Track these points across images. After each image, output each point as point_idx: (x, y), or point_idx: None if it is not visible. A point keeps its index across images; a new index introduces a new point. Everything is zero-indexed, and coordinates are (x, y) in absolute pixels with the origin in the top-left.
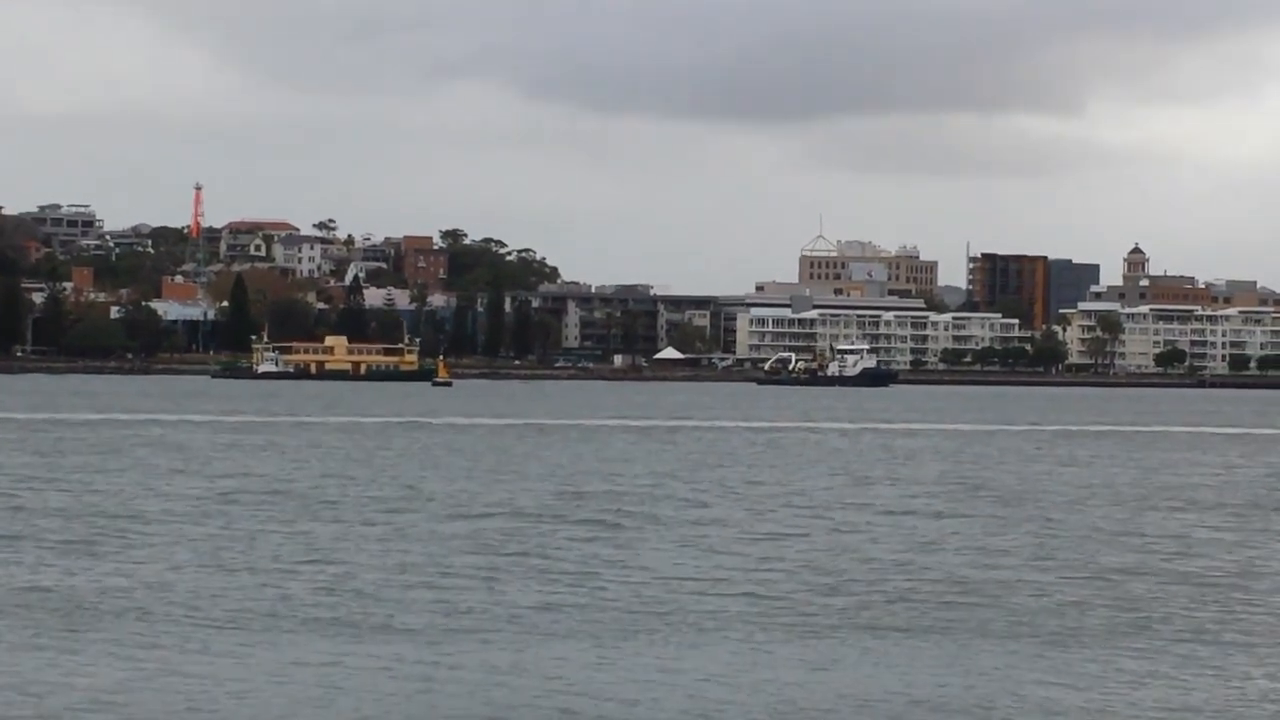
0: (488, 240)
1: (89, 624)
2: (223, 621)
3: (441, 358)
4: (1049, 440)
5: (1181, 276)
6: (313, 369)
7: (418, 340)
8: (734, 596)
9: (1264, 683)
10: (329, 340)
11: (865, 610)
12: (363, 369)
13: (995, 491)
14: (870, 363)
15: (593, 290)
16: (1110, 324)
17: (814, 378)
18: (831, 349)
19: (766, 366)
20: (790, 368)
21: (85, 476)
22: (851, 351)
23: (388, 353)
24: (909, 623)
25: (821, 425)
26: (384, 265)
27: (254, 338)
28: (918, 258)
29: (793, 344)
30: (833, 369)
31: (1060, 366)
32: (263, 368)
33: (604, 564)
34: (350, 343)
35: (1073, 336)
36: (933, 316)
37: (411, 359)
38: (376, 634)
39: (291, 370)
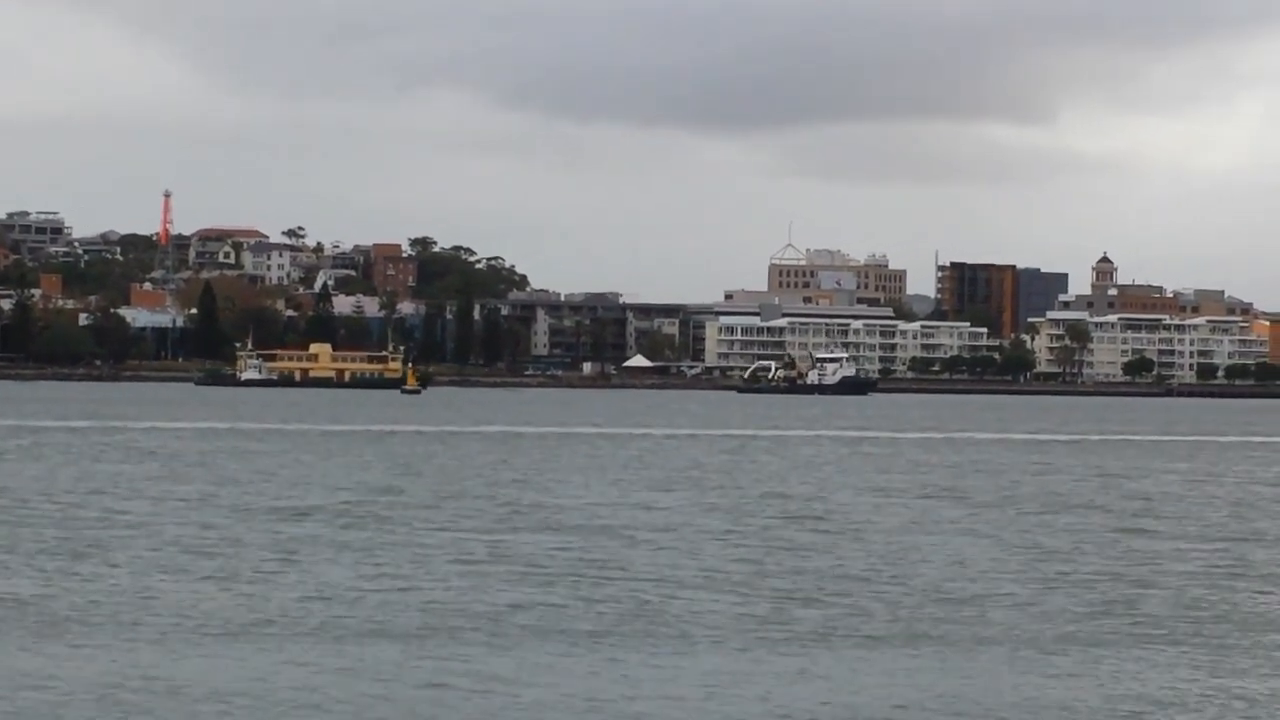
0: (457, 248)
1: (76, 630)
2: (215, 628)
3: (410, 365)
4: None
5: (1150, 286)
6: (297, 376)
7: (401, 348)
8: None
9: (1259, 684)
10: (313, 348)
11: (857, 618)
12: (347, 376)
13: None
14: (850, 371)
15: (562, 298)
16: (1078, 333)
17: (793, 386)
18: (811, 357)
19: (746, 375)
20: (770, 376)
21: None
22: (831, 360)
23: (372, 360)
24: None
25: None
26: (353, 273)
27: (238, 345)
28: (886, 266)
29: (761, 352)
30: (812, 377)
31: (1028, 375)
32: (246, 375)
33: (606, 569)
34: (335, 350)
35: (1041, 345)
36: (901, 325)
37: (396, 366)
38: (364, 640)
39: (275, 378)
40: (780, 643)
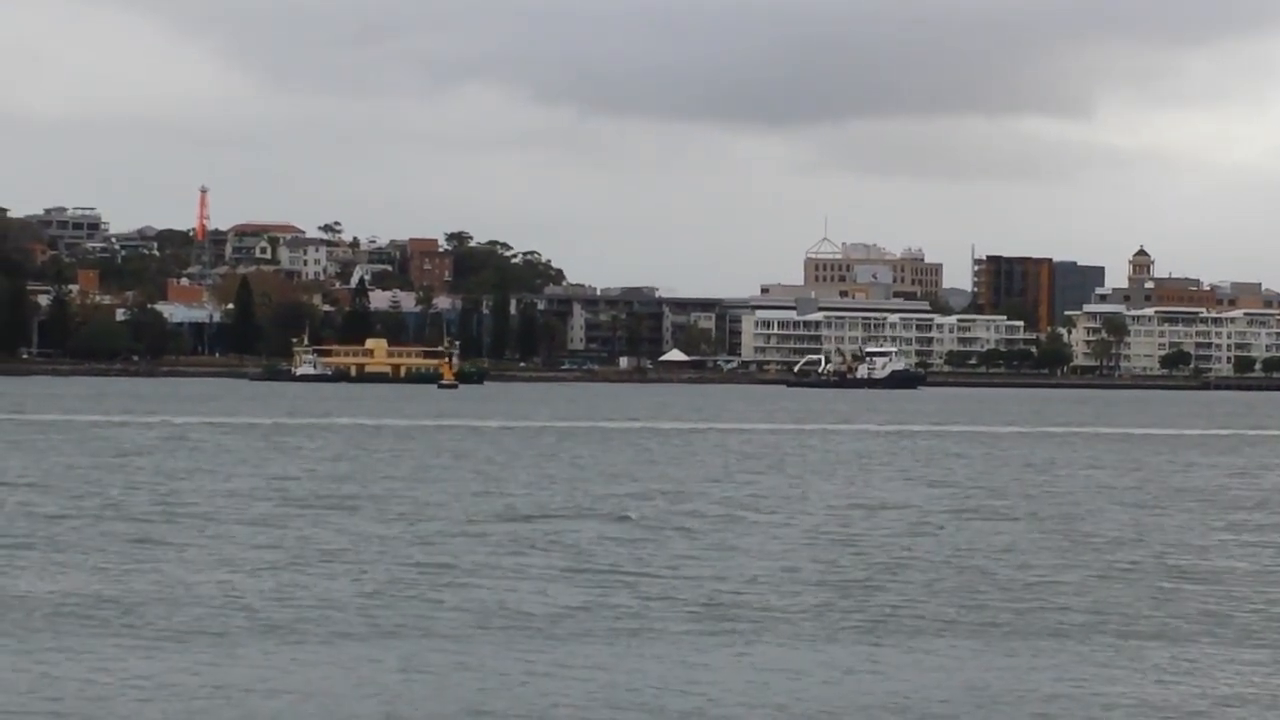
0: (493, 243)
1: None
2: (259, 626)
3: (447, 360)
4: None
5: (1186, 279)
6: (352, 372)
7: (457, 343)
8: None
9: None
10: (369, 343)
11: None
12: (403, 372)
13: None
14: (899, 365)
15: (598, 292)
16: (1115, 326)
17: (843, 380)
18: (860, 351)
19: (796, 369)
20: (820, 370)
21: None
22: (880, 354)
23: (428, 355)
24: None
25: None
26: (389, 268)
27: (294, 341)
28: (923, 260)
29: (798, 346)
30: (862, 371)
31: (1065, 369)
32: (301, 370)
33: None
34: (390, 346)
35: (1078, 339)
36: (938, 319)
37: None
38: (407, 636)
39: (330, 373)
40: (846, 635)
